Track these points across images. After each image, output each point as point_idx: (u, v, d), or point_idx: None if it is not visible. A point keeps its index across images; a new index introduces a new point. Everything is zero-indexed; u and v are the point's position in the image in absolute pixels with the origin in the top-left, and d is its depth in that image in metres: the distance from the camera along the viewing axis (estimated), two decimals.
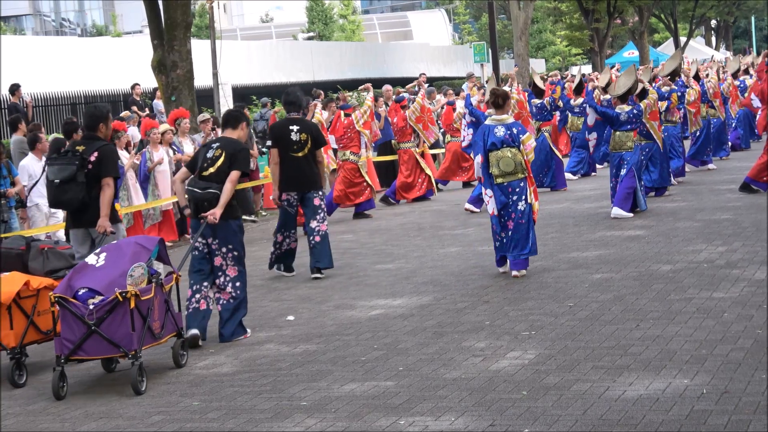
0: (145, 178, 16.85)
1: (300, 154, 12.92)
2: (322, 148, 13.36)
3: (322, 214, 13.13)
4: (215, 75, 24.86)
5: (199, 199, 10.01)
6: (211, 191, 9.97)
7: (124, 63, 33.34)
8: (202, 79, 25.98)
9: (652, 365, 7.85)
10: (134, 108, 26.32)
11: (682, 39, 63.70)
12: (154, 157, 16.83)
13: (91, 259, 9.00)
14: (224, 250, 10.12)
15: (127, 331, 8.47)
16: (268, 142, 13.43)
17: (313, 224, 13.08)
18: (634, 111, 15.72)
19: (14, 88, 23.01)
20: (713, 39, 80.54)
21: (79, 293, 8.64)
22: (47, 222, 15.30)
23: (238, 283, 10.19)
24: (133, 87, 27.53)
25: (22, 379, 9.20)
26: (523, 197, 11.90)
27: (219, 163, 10.13)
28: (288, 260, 13.50)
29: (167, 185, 16.83)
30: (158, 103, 24.56)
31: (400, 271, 13.01)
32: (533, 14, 50.80)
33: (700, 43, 74.15)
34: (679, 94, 19.50)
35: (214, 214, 9.84)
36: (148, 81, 25.65)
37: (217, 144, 10.36)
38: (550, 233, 14.76)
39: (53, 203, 10.65)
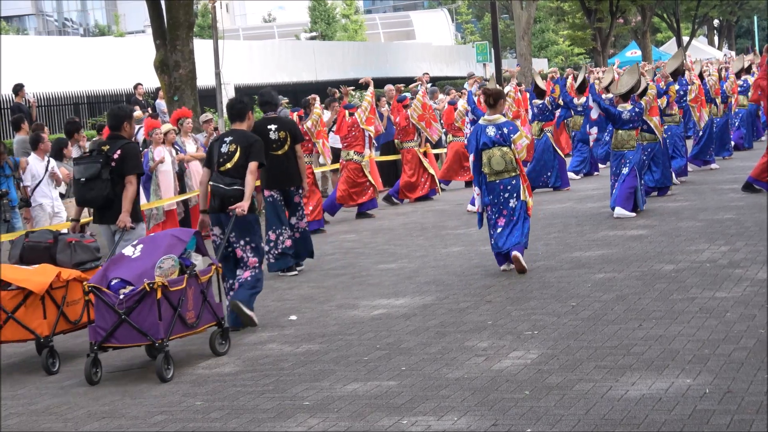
0: (147, 178, 16.85)
1: (280, 152, 13.11)
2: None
3: (301, 212, 13.44)
4: (218, 75, 24.81)
5: (226, 194, 10.37)
6: (237, 187, 10.35)
7: (126, 63, 33.35)
8: (204, 78, 25.95)
9: (654, 365, 7.85)
10: (137, 108, 26.32)
11: (685, 38, 63.66)
12: (156, 157, 16.84)
13: (128, 250, 9.35)
14: (242, 242, 10.48)
15: (154, 321, 8.75)
16: None
17: (293, 221, 13.36)
18: (636, 109, 15.73)
19: (18, 88, 23.02)
20: (716, 38, 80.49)
21: (112, 283, 8.99)
22: (51, 222, 15.30)
23: (256, 271, 10.61)
24: (135, 87, 27.54)
25: (55, 366, 9.55)
26: (515, 194, 12.16)
27: (235, 158, 10.48)
28: (300, 253, 13.61)
29: (170, 185, 16.83)
30: (161, 103, 24.56)
31: (402, 271, 13.02)
32: (536, 14, 50.84)
33: (703, 42, 74.09)
34: (682, 92, 19.48)
35: (243, 206, 10.19)
36: (151, 81, 25.67)
37: (230, 138, 10.65)
38: (553, 233, 14.76)
39: (80, 201, 10.89)
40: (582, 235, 14.45)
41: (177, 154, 17.40)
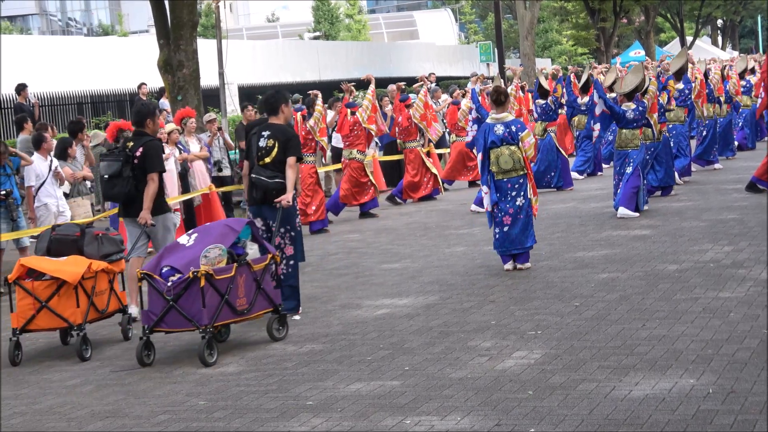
0: None
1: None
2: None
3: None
4: (221, 74, 24.83)
5: (268, 187, 10.72)
6: (278, 180, 10.70)
7: (130, 62, 33.36)
8: (208, 78, 25.99)
9: (658, 365, 7.85)
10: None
11: (689, 38, 63.63)
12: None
13: (182, 239, 9.82)
14: (282, 231, 10.78)
15: (198, 307, 9.12)
16: None
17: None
18: (640, 108, 15.73)
19: (20, 88, 23.03)
20: (719, 38, 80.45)
21: (163, 270, 9.42)
22: (56, 221, 15.31)
23: (291, 261, 10.89)
24: (139, 86, 27.56)
25: (87, 353, 9.99)
26: (522, 193, 12.25)
27: (274, 153, 10.80)
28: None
29: (173, 185, 16.85)
30: (164, 103, 24.57)
31: (406, 271, 13.02)
32: (539, 14, 50.80)
33: (707, 42, 73.99)
34: (687, 91, 19.45)
35: (287, 198, 10.61)
36: (155, 80, 25.68)
37: (268, 132, 10.92)
38: (557, 233, 14.76)
39: (105, 197, 11.52)
40: (585, 234, 14.45)
41: (180, 153, 17.40)
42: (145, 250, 11.58)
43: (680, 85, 19.43)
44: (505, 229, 12.21)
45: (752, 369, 7.53)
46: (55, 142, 16.67)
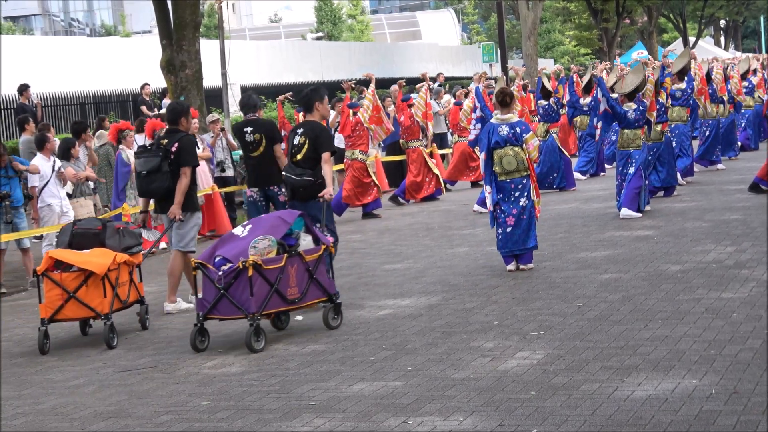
0: None
1: (255, 153, 13.23)
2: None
3: None
4: (224, 75, 24.88)
5: (295, 184, 11.19)
6: (305, 177, 11.13)
7: (133, 63, 33.39)
8: (210, 79, 26.00)
9: (660, 365, 7.85)
10: (144, 108, 26.36)
11: (691, 39, 63.58)
12: None
13: (237, 230, 10.22)
14: (318, 224, 11.00)
15: (247, 296, 9.52)
16: None
17: None
18: (641, 108, 15.74)
19: (23, 89, 23.03)
20: (722, 39, 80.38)
21: (216, 260, 9.84)
22: (59, 221, 15.32)
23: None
24: (142, 87, 27.56)
25: (114, 341, 10.39)
26: (525, 193, 12.27)
27: (305, 149, 11.24)
28: None
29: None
30: (167, 103, 24.58)
31: (408, 271, 13.02)
32: (542, 14, 50.78)
33: (709, 43, 73.93)
34: (689, 90, 19.43)
35: (329, 192, 11.08)
36: (157, 81, 25.68)
37: (302, 130, 11.39)
38: (559, 233, 14.76)
39: (141, 193, 11.85)
40: (588, 235, 14.44)
41: None
42: None
43: (682, 85, 19.41)
44: (508, 230, 12.23)
45: (755, 369, 7.52)
46: (57, 141, 16.70)
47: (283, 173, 11.43)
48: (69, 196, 15.88)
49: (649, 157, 16.44)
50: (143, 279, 11.51)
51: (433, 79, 28.79)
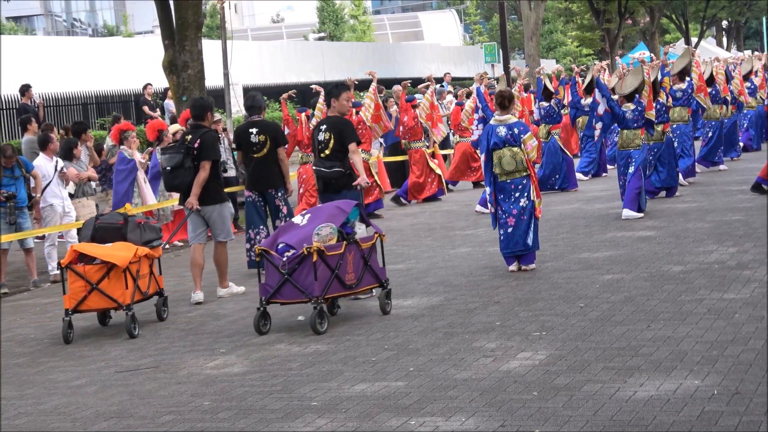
0: (154, 177, 16.87)
1: (259, 155, 13.32)
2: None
3: (282, 215, 13.53)
4: (226, 75, 24.83)
5: (328, 177, 11.65)
6: (336, 170, 11.59)
7: (135, 63, 33.39)
8: (213, 79, 25.98)
9: (662, 366, 7.84)
10: (146, 108, 26.36)
11: (693, 39, 63.58)
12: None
13: (297, 219, 10.71)
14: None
15: (311, 281, 9.98)
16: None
17: (277, 223, 13.46)
18: (638, 108, 15.76)
19: (25, 89, 23.03)
20: (724, 40, 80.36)
21: (279, 247, 10.29)
22: (61, 221, 15.34)
23: None
24: (144, 87, 27.57)
25: (135, 330, 10.75)
26: (525, 194, 12.30)
27: (331, 144, 11.68)
28: None
29: None
30: (169, 104, 24.59)
31: (410, 272, 13.02)
32: (544, 15, 50.76)
33: (711, 43, 74.02)
34: (689, 90, 19.42)
35: (364, 179, 11.57)
36: (160, 81, 25.68)
37: (325, 126, 11.85)
38: (561, 234, 14.76)
39: (167, 188, 12.54)
40: (590, 236, 14.44)
41: None
42: (204, 237, 12.39)
43: (683, 85, 19.41)
44: (509, 230, 12.25)
45: (757, 370, 7.52)
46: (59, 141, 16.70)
47: (313, 167, 11.81)
48: (71, 196, 15.89)
49: (650, 158, 16.43)
50: (162, 272, 11.88)
51: (440, 80, 28.81)
